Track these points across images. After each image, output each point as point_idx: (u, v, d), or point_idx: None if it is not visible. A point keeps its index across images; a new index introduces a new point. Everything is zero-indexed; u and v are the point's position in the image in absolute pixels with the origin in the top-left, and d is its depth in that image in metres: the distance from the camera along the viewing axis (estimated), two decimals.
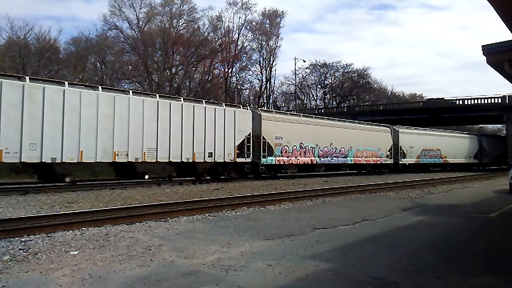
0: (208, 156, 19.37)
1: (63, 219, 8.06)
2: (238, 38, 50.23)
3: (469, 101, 46.46)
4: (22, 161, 14.03)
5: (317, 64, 64.93)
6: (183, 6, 45.72)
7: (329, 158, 27.14)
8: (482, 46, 7.91)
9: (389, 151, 32.74)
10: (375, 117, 45.37)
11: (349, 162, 28.87)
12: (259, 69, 54.33)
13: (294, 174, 24.98)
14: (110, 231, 7.38)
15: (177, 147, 18.13)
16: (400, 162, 33.73)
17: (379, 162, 31.72)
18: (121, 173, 17.98)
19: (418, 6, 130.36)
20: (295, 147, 24.41)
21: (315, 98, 68.45)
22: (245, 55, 51.97)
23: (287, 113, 27.54)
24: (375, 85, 73.18)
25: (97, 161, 16.04)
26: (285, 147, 23.73)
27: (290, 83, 61.07)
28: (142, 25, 44.55)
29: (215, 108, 20.17)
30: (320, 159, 26.27)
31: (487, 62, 8.06)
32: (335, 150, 27.59)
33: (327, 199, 13.20)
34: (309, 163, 25.64)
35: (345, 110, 55.21)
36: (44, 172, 15.31)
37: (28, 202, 11.46)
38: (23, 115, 13.84)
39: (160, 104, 17.79)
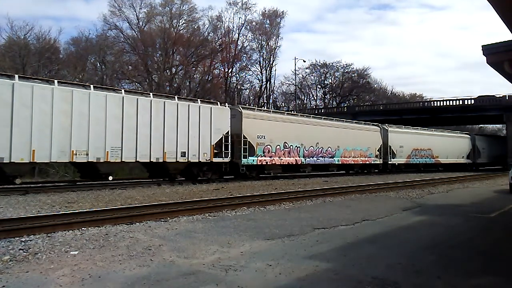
0: (181, 156, 18.17)
1: (63, 219, 8.06)
2: (238, 38, 50.34)
3: (469, 101, 46.47)
4: None
5: (317, 64, 65.09)
6: (183, 6, 45.81)
7: (315, 158, 26.02)
8: (482, 46, 7.92)
9: (378, 150, 31.66)
10: (375, 117, 45.40)
11: (336, 163, 27.81)
12: (259, 69, 54.44)
13: (278, 175, 23.83)
14: (110, 231, 7.38)
15: (145, 146, 16.94)
16: (389, 162, 32.59)
17: (367, 162, 30.70)
18: (85, 174, 16.98)
19: (418, 6, 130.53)
20: (278, 146, 23.35)
21: (315, 98, 68.60)
22: (245, 55, 52.08)
23: (270, 111, 26.23)
24: (375, 85, 73.33)
25: (52, 161, 15.13)
26: (268, 146, 22.65)
27: (290, 83, 61.21)
28: (142, 25, 44.60)
29: (188, 105, 18.92)
30: (305, 159, 25.16)
31: (487, 62, 8.06)
32: (322, 150, 26.48)
33: (327, 199, 13.19)
34: (294, 163, 24.54)
35: (345, 110, 55.26)
36: None
37: (28, 202, 11.45)
38: None
39: (126, 100, 16.55)
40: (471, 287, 4.75)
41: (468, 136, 44.17)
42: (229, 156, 20.26)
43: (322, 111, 52.89)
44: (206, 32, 48.28)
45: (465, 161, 42.35)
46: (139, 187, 16.65)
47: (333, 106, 62.97)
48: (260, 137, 22.15)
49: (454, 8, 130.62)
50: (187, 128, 18.53)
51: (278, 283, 4.66)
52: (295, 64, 62.72)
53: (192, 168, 19.08)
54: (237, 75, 52.03)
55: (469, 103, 46.20)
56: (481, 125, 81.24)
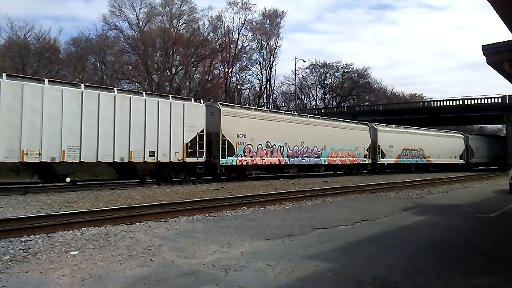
0: (150, 155, 16.88)
1: (63, 219, 8.06)
2: (238, 38, 50.35)
3: (469, 101, 46.44)
4: None
5: (317, 64, 65.12)
6: (183, 6, 45.83)
7: (300, 158, 24.69)
8: (482, 46, 7.93)
9: (367, 150, 30.44)
10: (375, 117, 45.39)
11: (323, 163, 26.49)
12: (259, 69, 54.45)
13: (260, 176, 22.70)
14: (110, 231, 7.38)
15: (107, 145, 15.67)
16: (378, 162, 31.33)
17: (355, 163, 29.47)
18: (43, 175, 15.79)
19: (418, 6, 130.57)
20: (260, 146, 22.02)
21: (315, 98, 68.64)
22: (245, 55, 52.09)
23: (251, 108, 24.77)
24: (375, 85, 73.38)
25: None
26: (249, 146, 21.36)
27: (290, 83, 61.23)
28: (142, 25, 44.62)
29: (158, 101, 17.59)
30: (289, 159, 23.87)
31: (487, 62, 8.07)
32: (307, 150, 25.13)
33: (327, 199, 13.19)
34: (277, 163, 23.26)
35: (345, 110, 55.31)
36: None
37: (28, 202, 11.45)
38: None
39: (86, 95, 15.27)
40: (471, 287, 4.75)
41: (461, 135, 42.90)
42: (204, 155, 18.99)
43: (322, 111, 52.92)
44: (206, 32, 48.36)
45: (457, 162, 41.16)
46: (139, 187, 16.64)
47: (333, 106, 63.02)
48: (241, 136, 20.96)
49: (454, 8, 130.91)
50: (157, 126, 17.25)
51: (278, 283, 4.66)
52: (295, 64, 62.84)
53: (163, 169, 17.87)
54: (237, 75, 52.13)
55: (469, 103, 46.19)
56: (481, 125, 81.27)
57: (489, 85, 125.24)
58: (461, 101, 46.87)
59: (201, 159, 18.90)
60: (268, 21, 53.33)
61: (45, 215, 8.55)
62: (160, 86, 39.67)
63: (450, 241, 7.22)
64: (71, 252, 5.86)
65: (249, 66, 53.49)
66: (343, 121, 30.26)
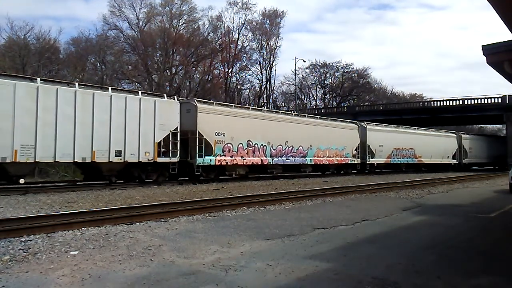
0: (115, 155, 15.84)
1: (63, 219, 8.05)
2: (238, 38, 50.41)
3: (469, 101, 46.44)
4: None
5: (317, 64, 65.17)
6: (183, 6, 45.88)
7: (284, 158, 23.73)
8: (482, 46, 7.93)
9: (356, 150, 29.41)
10: (375, 117, 45.44)
11: (309, 163, 25.55)
12: (259, 69, 54.51)
13: (241, 176, 21.93)
14: (110, 231, 7.38)
15: (67, 143, 14.63)
16: (367, 162, 30.41)
17: (344, 163, 28.46)
18: None
19: (417, 6, 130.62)
20: (241, 145, 21.03)
21: (315, 98, 68.73)
22: (245, 55, 52.15)
23: (231, 105, 23.51)
24: (375, 85, 73.45)
25: None
26: (228, 145, 20.38)
27: (290, 83, 61.28)
28: (142, 25, 44.67)
29: (125, 97, 16.50)
30: (273, 159, 22.91)
31: (487, 62, 8.08)
32: (292, 149, 24.16)
33: (327, 199, 13.19)
34: (259, 163, 22.23)
35: (345, 110, 55.36)
36: None
37: (28, 202, 11.45)
38: None
39: (42, 91, 14.24)
40: (471, 287, 4.75)
41: (453, 135, 41.66)
42: (178, 155, 17.98)
43: (322, 111, 52.96)
44: (206, 32, 48.41)
45: (450, 162, 40.10)
46: (139, 187, 16.62)
47: (333, 106, 63.07)
48: (219, 134, 19.95)
49: (454, 8, 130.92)
50: (124, 124, 16.18)
51: (278, 283, 4.66)
52: (295, 64, 62.72)
53: (132, 169, 16.90)
54: (237, 75, 52.19)
55: (469, 103, 46.18)
56: (481, 125, 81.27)
57: (489, 85, 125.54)
58: (461, 101, 46.89)
59: (174, 159, 17.88)
60: (268, 21, 53.44)
61: (45, 215, 8.55)
62: (160, 86, 39.69)
63: (450, 241, 7.21)
64: (71, 252, 5.85)
65: (249, 66, 53.63)
66: (330, 119, 29.40)
